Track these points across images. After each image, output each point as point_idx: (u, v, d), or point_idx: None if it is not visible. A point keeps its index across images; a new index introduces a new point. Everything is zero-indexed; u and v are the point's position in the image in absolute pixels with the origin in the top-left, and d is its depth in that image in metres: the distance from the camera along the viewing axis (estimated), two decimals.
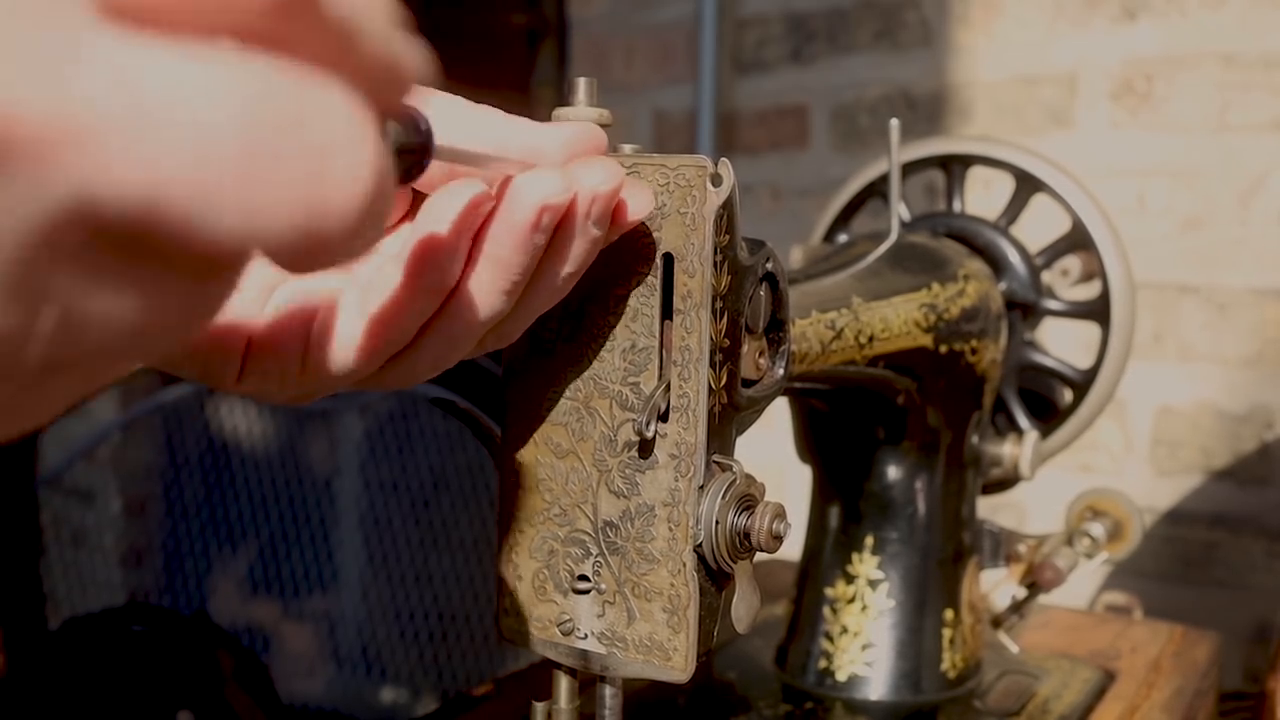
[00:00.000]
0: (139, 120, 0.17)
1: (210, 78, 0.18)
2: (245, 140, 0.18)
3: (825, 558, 0.68)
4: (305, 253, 0.19)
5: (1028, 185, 0.73)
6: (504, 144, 0.36)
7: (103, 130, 0.17)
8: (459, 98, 0.37)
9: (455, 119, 0.36)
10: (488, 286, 0.36)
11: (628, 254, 0.41)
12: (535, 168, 0.35)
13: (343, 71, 0.22)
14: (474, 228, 0.35)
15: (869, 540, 0.66)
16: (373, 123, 0.20)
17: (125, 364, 0.21)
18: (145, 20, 0.18)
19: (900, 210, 0.66)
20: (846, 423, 0.66)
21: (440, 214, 0.34)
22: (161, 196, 0.17)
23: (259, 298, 0.37)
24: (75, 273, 0.18)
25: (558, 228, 0.36)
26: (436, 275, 0.35)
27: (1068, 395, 0.74)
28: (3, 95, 0.16)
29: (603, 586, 0.44)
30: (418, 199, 0.38)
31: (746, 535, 0.42)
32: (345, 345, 0.36)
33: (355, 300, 0.36)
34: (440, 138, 0.29)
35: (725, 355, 0.42)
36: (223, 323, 0.36)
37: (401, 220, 0.40)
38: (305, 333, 0.37)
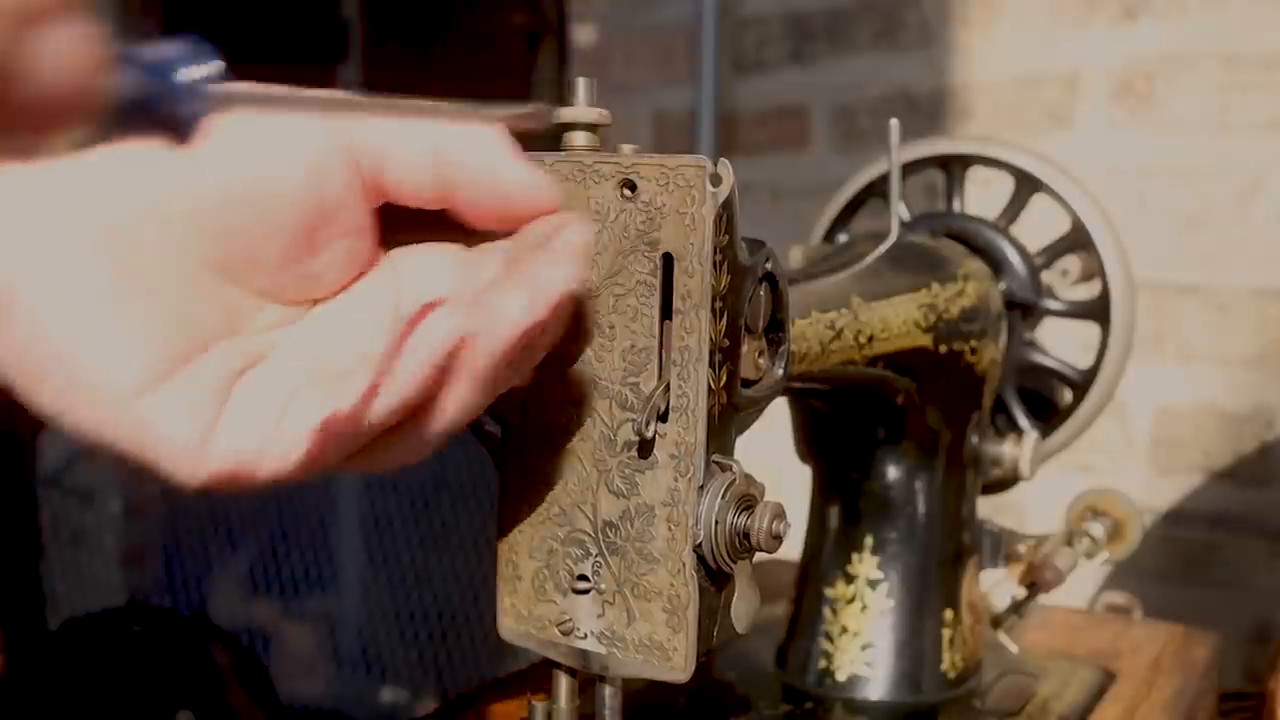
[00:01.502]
0: None
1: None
2: None
3: (825, 558, 0.68)
4: None
5: (1027, 185, 0.73)
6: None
7: None
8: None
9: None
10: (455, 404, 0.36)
11: (628, 254, 0.41)
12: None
13: None
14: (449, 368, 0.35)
15: (868, 540, 0.66)
16: None
17: None
18: None
19: (900, 210, 0.66)
20: (846, 423, 0.66)
21: (417, 351, 0.34)
22: None
23: (218, 392, 0.36)
24: None
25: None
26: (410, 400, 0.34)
27: (1068, 395, 0.74)
28: None
29: (602, 586, 0.44)
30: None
31: (746, 535, 0.42)
32: (290, 439, 0.35)
33: (318, 399, 0.35)
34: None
35: (725, 355, 0.42)
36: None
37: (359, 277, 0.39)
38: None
